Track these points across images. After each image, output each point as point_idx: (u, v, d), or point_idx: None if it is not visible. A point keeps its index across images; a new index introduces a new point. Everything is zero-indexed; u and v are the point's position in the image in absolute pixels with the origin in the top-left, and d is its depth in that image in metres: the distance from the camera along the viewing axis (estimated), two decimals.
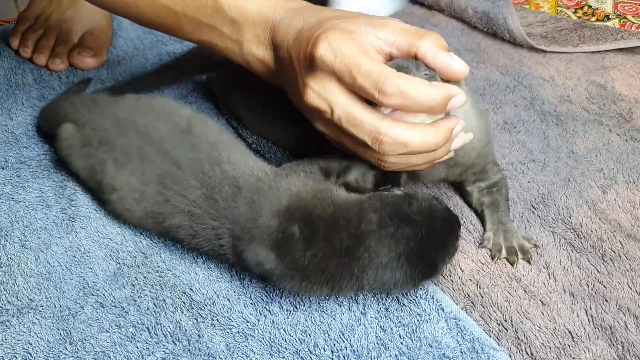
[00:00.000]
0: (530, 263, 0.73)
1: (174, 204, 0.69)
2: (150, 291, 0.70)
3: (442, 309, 0.67)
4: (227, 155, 0.71)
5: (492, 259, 0.74)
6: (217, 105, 0.96)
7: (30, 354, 0.65)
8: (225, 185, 0.68)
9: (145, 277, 0.71)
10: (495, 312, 0.69)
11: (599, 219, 0.79)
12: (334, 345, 0.65)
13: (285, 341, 0.65)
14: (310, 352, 0.64)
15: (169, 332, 0.66)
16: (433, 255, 0.63)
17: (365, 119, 0.59)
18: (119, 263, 0.73)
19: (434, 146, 0.61)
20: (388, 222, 0.62)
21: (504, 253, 0.73)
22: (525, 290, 0.71)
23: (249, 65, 0.72)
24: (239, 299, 0.69)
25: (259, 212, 0.65)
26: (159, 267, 0.72)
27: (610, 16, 1.19)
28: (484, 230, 0.77)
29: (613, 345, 0.66)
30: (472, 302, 0.70)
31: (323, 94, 0.60)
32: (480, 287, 0.71)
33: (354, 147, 0.63)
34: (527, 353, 0.65)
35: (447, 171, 0.74)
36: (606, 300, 0.70)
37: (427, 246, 0.62)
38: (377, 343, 0.65)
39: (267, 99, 0.83)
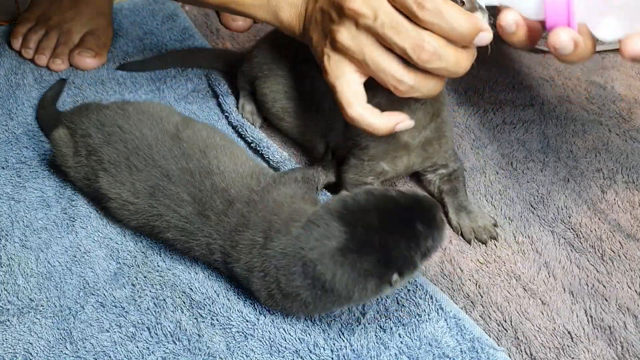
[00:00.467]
0: (497, 240, 0.76)
1: (167, 220, 0.68)
2: (150, 291, 0.70)
3: (442, 309, 0.67)
4: (217, 162, 0.70)
5: (469, 243, 0.77)
6: (218, 104, 0.96)
7: (31, 354, 0.65)
8: (217, 199, 0.67)
9: (145, 277, 0.71)
10: (495, 312, 0.69)
11: (599, 219, 0.79)
12: (334, 344, 0.65)
13: (285, 340, 0.65)
14: (310, 352, 0.64)
15: (169, 332, 0.66)
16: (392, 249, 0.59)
17: (409, 26, 0.62)
18: (119, 263, 0.73)
19: (462, 68, 0.64)
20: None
21: (474, 234, 0.77)
22: (524, 289, 0.71)
23: (276, 15, 0.75)
24: (238, 298, 0.69)
25: (247, 225, 0.65)
26: (159, 266, 0.72)
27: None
28: (447, 217, 0.79)
29: (612, 345, 0.66)
30: (471, 302, 0.70)
31: (369, 1, 0.63)
32: (479, 287, 0.71)
33: (383, 61, 0.65)
34: (526, 353, 0.65)
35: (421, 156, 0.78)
36: (606, 300, 0.70)
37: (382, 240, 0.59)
38: (377, 342, 0.65)
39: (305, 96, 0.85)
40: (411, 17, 0.62)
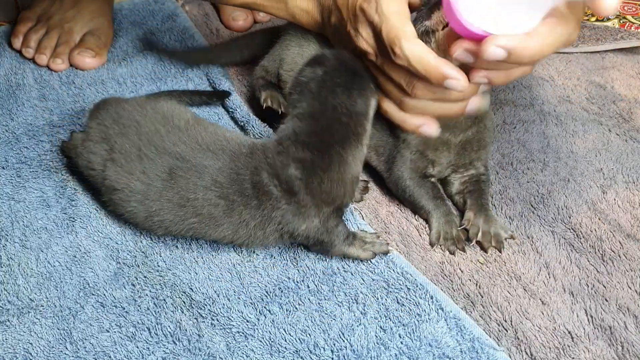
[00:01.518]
0: (501, 252, 0.75)
1: (193, 187, 0.69)
2: (150, 291, 0.70)
3: (442, 309, 0.67)
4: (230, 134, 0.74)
5: (469, 240, 0.75)
6: (220, 104, 0.96)
7: (31, 354, 0.65)
8: (243, 149, 0.71)
9: (145, 277, 0.71)
10: (495, 312, 0.69)
11: (599, 219, 0.79)
12: (334, 344, 0.65)
13: (285, 341, 0.65)
14: (310, 352, 0.64)
15: (170, 332, 0.66)
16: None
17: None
18: (119, 263, 0.73)
19: (458, 98, 0.68)
20: None
21: (479, 236, 0.75)
22: (525, 289, 0.71)
23: (294, 18, 0.82)
24: (239, 298, 0.69)
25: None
26: (159, 266, 0.72)
27: (610, 16, 1.19)
28: (464, 212, 0.78)
29: (612, 345, 0.66)
30: (471, 302, 0.70)
31: (369, 41, 0.69)
32: (479, 287, 0.71)
33: (386, 86, 0.71)
34: (526, 353, 0.65)
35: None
36: (606, 300, 0.70)
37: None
38: (377, 343, 0.65)
39: None
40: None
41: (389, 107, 0.72)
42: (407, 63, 0.64)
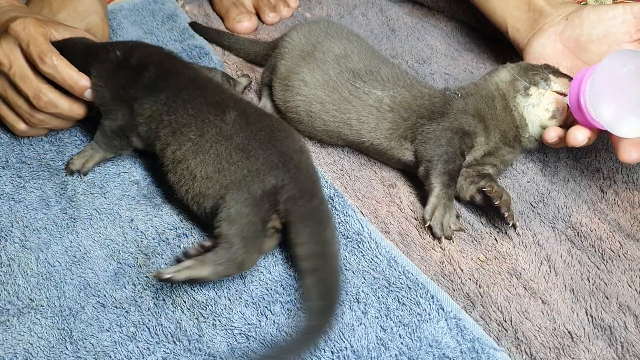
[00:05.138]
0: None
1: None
2: (151, 291, 0.70)
3: (443, 309, 0.67)
4: None
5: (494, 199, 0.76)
6: None
7: (31, 354, 0.65)
8: None
9: (146, 277, 0.71)
10: (495, 312, 0.69)
11: (598, 219, 0.79)
12: (334, 345, 0.65)
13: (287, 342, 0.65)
14: (311, 353, 0.64)
15: (170, 332, 0.66)
16: None
17: (33, 78, 0.80)
18: (120, 263, 0.73)
19: (76, 114, 0.83)
20: None
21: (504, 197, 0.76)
22: (525, 288, 0.71)
23: None
24: (240, 298, 0.69)
25: None
26: (159, 267, 0.72)
27: None
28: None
29: (612, 345, 0.66)
30: (472, 302, 0.70)
31: (8, 53, 0.80)
32: (480, 287, 0.71)
33: (15, 101, 0.82)
34: (526, 353, 0.65)
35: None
36: (606, 298, 0.70)
37: None
38: (378, 343, 0.65)
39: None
40: (37, 68, 0.79)
41: (14, 120, 0.84)
42: (53, 70, 0.78)
